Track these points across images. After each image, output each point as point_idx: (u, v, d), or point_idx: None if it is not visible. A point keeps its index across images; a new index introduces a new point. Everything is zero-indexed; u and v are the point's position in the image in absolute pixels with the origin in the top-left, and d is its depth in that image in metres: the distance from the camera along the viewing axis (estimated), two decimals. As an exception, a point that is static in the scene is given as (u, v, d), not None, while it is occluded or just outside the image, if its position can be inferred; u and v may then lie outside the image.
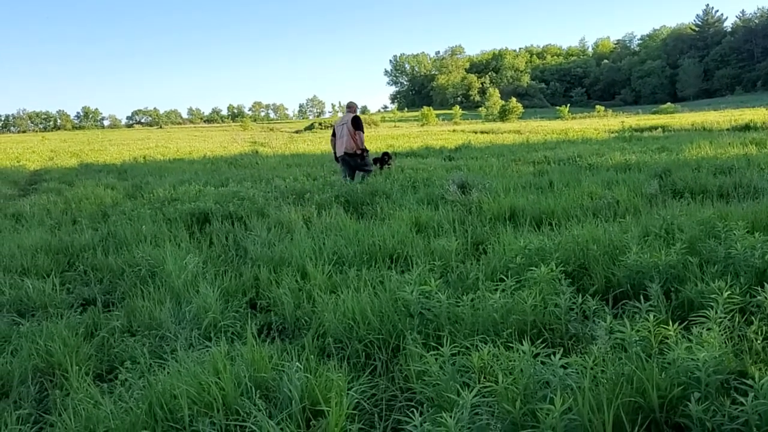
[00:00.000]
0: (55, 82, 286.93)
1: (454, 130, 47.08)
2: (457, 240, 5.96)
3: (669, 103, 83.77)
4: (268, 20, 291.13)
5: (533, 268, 4.35)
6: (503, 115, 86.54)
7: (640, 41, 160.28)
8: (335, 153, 11.84)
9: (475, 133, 38.38)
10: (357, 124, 11.32)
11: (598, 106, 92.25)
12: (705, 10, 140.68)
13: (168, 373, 3.34)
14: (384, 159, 14.21)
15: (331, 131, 12.17)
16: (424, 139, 30.94)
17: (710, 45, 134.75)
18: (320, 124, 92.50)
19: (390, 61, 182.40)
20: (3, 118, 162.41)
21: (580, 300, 3.69)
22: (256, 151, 23.87)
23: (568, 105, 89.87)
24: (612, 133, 28.03)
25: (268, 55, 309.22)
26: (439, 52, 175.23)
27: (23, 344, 4.40)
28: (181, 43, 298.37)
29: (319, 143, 32.60)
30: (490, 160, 15.44)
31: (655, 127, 29.51)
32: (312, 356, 3.54)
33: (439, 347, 3.38)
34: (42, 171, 21.32)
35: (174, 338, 4.35)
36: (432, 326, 3.71)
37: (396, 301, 4.25)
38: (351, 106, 12.11)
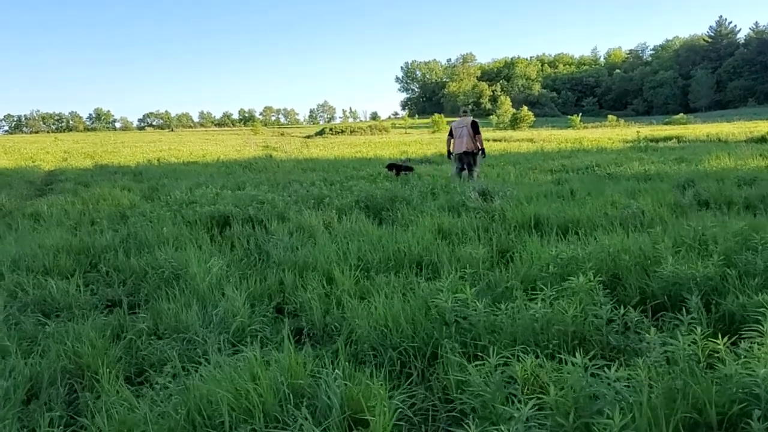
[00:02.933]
0: (68, 84, 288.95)
1: (465, 138, 46.94)
2: (483, 247, 5.89)
3: (681, 114, 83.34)
4: (280, 25, 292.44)
5: (570, 277, 4.27)
6: (514, 123, 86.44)
7: (652, 51, 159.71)
8: (449, 151, 13.41)
9: (488, 141, 38.21)
10: (476, 127, 12.89)
11: (610, 116, 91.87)
12: (718, 21, 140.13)
13: (203, 377, 3.27)
14: (402, 167, 14.20)
15: (448, 131, 13.73)
16: (438, 146, 30.86)
17: (723, 56, 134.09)
18: (331, 129, 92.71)
19: (401, 67, 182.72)
20: (16, 119, 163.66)
21: (621, 311, 3.60)
22: (270, 156, 23.88)
23: (580, 114, 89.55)
24: (627, 143, 27.89)
25: (279, 59, 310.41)
26: (450, 59, 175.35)
27: (51, 345, 4.37)
28: (193, 47, 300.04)
29: (332, 149, 32.61)
30: (506, 167, 15.36)
31: (670, 138, 29.39)
32: (347, 363, 3.48)
33: (478, 357, 3.32)
34: (57, 171, 21.40)
35: (202, 342, 4.30)
36: (470, 335, 3.64)
37: (428, 309, 4.18)
38: (466, 111, 13.77)
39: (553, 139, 33.01)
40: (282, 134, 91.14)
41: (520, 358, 3.12)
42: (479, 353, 3.41)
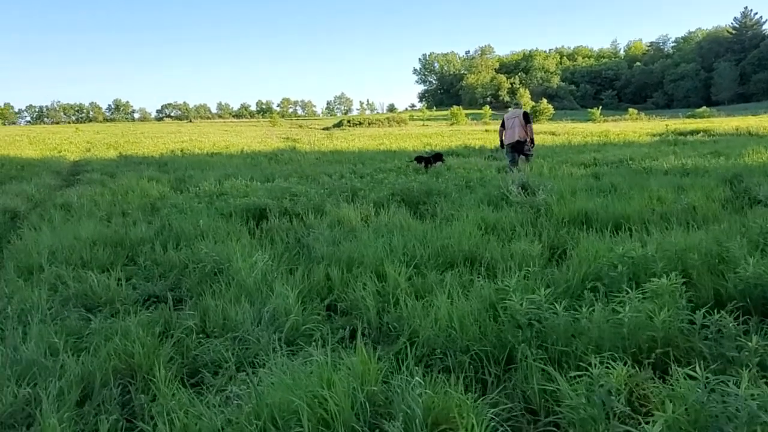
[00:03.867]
0: (88, 76, 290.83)
1: (486, 130, 46.52)
2: (539, 244, 5.66)
3: (704, 107, 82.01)
4: (298, 17, 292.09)
5: (639, 278, 4.04)
6: (533, 116, 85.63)
7: (674, 44, 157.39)
8: (502, 142, 13.72)
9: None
10: (527, 118, 13.36)
11: (630, 109, 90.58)
12: (743, 12, 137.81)
13: (273, 384, 3.08)
14: (431, 159, 13.97)
15: (500, 123, 14.16)
16: (461, 139, 30.57)
17: (747, 48, 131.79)
18: (349, 121, 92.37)
19: (419, 59, 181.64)
20: (38, 110, 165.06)
21: (713, 316, 3.36)
22: (294, 148, 23.72)
23: (600, 107, 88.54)
24: (653, 136, 27.41)
25: (296, 51, 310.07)
26: (468, 51, 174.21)
27: (98, 342, 4.22)
28: (210, 38, 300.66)
29: (353, 141, 32.39)
30: (537, 161, 15.02)
31: (697, 131, 28.85)
32: (417, 368, 3.28)
33: (561, 364, 3.11)
34: (82, 162, 21.39)
35: (255, 341, 4.12)
36: (548, 340, 3.42)
37: (495, 310, 3.98)
38: (518, 104, 14.64)
39: (577, 132, 32.54)
40: (300, 126, 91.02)
41: (609, 367, 2.91)
42: (562, 360, 3.20)
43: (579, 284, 4.67)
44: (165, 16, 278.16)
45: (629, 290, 3.62)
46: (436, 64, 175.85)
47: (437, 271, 5.38)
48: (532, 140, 13.38)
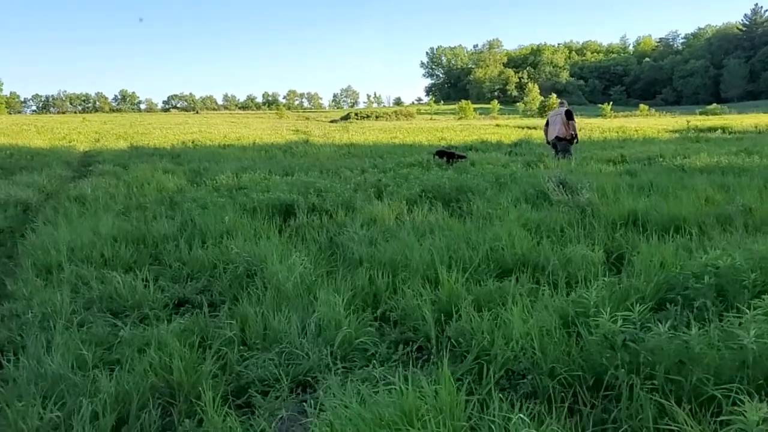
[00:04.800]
0: (94, 65, 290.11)
1: (497, 125, 46.13)
2: (598, 249, 5.24)
3: (715, 104, 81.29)
4: (304, 9, 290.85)
5: (727, 291, 3.61)
6: (542, 111, 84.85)
7: (683, 40, 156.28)
8: (547, 138, 14.52)
9: (522, 128, 37.41)
10: (570, 116, 13.78)
11: (642, 105, 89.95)
12: (753, 9, 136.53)
13: (346, 415, 2.67)
14: (455, 154, 13.58)
15: (544, 120, 15.22)
16: (475, 133, 30.09)
17: (757, 45, 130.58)
18: (356, 114, 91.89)
19: (426, 53, 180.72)
20: (44, 99, 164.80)
21: None
22: (307, 140, 23.29)
23: (611, 103, 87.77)
24: (672, 132, 26.91)
25: (303, 43, 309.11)
26: (477, 45, 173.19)
27: (131, 354, 3.82)
28: (216, 29, 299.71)
29: (364, 134, 31.93)
30: (556, 159, 14.56)
31: (715, 128, 28.31)
32: (501, 395, 2.88)
33: (666, 393, 2.70)
34: (93, 152, 21.01)
35: (304, 356, 3.72)
36: (645, 362, 2.99)
37: (573, 325, 3.57)
38: (563, 102, 15.32)
39: (593, 128, 32.04)
40: (307, 118, 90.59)
41: (738, 402, 2.50)
42: (670, 390, 2.78)
43: (653, 296, 4.26)
44: (172, 7, 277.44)
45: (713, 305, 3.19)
46: (443, 58, 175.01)
47: (492, 277, 4.97)
48: (574, 136, 13.95)
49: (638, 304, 4.08)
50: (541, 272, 5.05)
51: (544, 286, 4.49)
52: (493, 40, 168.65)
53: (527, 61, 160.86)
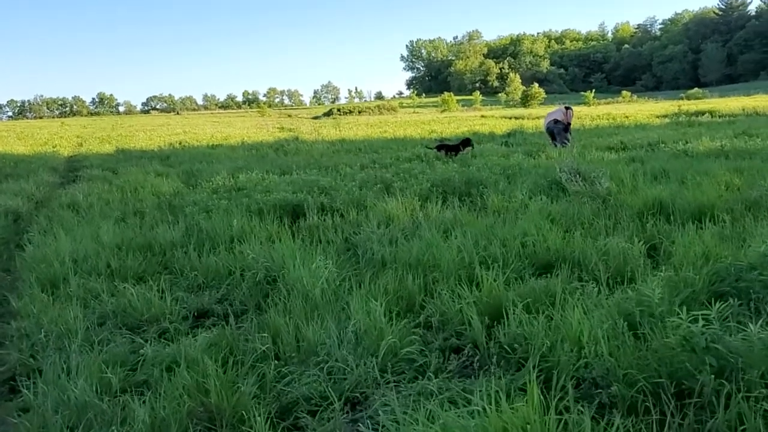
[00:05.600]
0: (70, 69, 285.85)
1: (483, 116, 45.91)
2: (638, 241, 5.00)
3: (697, 89, 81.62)
4: (282, 6, 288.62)
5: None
6: (525, 101, 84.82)
7: (661, 26, 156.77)
8: (546, 125, 15.31)
9: (509, 119, 37.22)
10: (569, 109, 15.01)
11: (624, 92, 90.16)
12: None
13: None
14: (460, 146, 13.31)
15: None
16: (465, 125, 29.86)
17: (733, 29, 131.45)
18: (339, 110, 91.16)
19: (406, 46, 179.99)
20: (20, 104, 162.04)
21: None
22: (296, 138, 22.90)
23: (594, 90, 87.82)
24: (662, 117, 26.84)
25: (281, 40, 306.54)
26: (456, 37, 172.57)
27: (157, 374, 3.53)
28: (192, 29, 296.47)
29: (350, 129, 31.53)
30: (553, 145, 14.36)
31: (703, 112, 28.27)
32: (584, 408, 2.62)
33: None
34: (78, 157, 20.50)
35: (348, 370, 3.44)
36: (730, 367, 2.75)
37: (637, 327, 3.33)
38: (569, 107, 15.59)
39: (582, 116, 31.85)
40: (289, 116, 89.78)
41: None
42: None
43: (706, 289, 4.03)
44: (148, 7, 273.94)
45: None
46: (423, 51, 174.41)
47: (529, 275, 4.73)
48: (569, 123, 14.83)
49: (691, 298, 3.91)
50: (578, 267, 4.81)
51: (590, 283, 4.25)
52: (473, 31, 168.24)
53: (507, 51, 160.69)
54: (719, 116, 25.76)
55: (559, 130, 14.32)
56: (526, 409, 2.40)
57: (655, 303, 3.41)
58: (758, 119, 21.33)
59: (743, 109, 28.29)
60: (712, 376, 2.71)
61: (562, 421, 2.41)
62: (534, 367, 3.25)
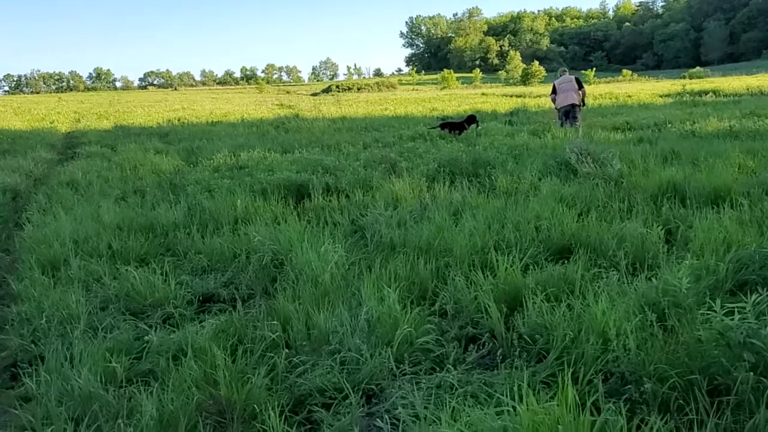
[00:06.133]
0: (67, 43, 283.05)
1: (483, 94, 45.47)
2: (656, 226, 4.86)
3: (698, 68, 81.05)
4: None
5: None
6: (525, 78, 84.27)
7: (663, 3, 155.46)
8: (557, 106, 14.07)
9: (510, 96, 36.91)
10: (579, 83, 13.75)
11: (624, 71, 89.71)
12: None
13: None
14: (464, 124, 13.10)
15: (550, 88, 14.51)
16: (466, 102, 29.56)
17: (737, 7, 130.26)
18: (337, 87, 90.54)
19: (405, 23, 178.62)
20: (16, 79, 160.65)
21: None
22: (297, 115, 22.62)
23: (594, 69, 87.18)
24: (665, 97, 26.58)
25: (280, 16, 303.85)
26: (456, 14, 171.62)
27: (163, 364, 3.40)
28: (191, 4, 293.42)
29: (350, 107, 31.20)
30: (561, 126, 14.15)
31: (706, 92, 27.99)
32: (615, 406, 2.50)
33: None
34: (76, 133, 20.24)
35: (362, 360, 3.30)
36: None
37: (665, 317, 3.20)
38: (566, 70, 14.71)
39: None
40: (287, 92, 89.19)
41: None
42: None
43: (731, 278, 3.90)
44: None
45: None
46: (423, 27, 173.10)
47: (544, 261, 4.59)
48: (584, 102, 14.00)
49: (714, 287, 3.78)
50: (595, 253, 4.67)
51: (610, 270, 4.11)
52: (473, 8, 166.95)
53: (507, 28, 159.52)
54: (723, 95, 25.50)
55: (574, 113, 13.66)
56: (559, 409, 2.27)
57: (682, 293, 3.28)
58: (764, 99, 21.10)
59: (747, 89, 28.00)
60: (751, 372, 2.58)
61: (597, 422, 2.27)
62: (556, 360, 3.15)
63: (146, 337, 3.78)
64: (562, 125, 13.62)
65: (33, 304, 4.39)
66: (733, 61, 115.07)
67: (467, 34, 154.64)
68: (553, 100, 14.12)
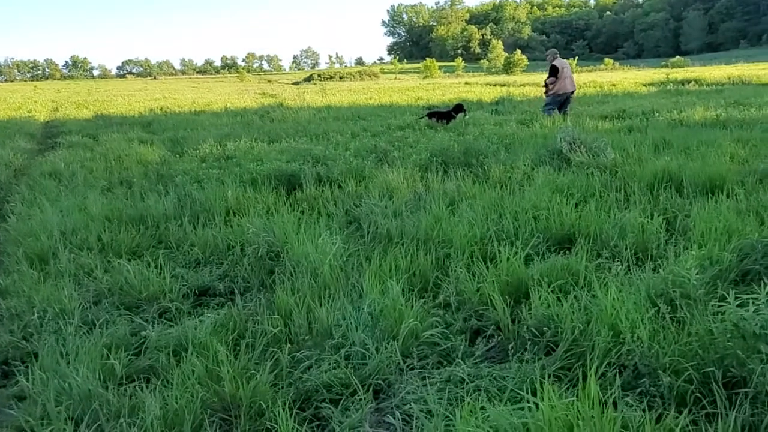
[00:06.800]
0: (42, 31, 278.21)
1: (466, 83, 45.41)
2: (657, 216, 4.84)
3: (678, 57, 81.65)
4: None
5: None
6: (508, 67, 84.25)
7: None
8: (565, 90, 13.49)
9: (493, 86, 36.86)
10: (552, 71, 13.35)
11: (606, 59, 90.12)
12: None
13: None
14: (452, 113, 13.03)
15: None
16: (450, 92, 29.46)
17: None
18: (319, 75, 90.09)
19: (387, 11, 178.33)
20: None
21: None
22: (281, 104, 22.38)
23: (576, 58, 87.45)
24: (648, 86, 26.70)
25: (260, 3, 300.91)
26: (438, 2, 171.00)
27: (164, 360, 3.30)
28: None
29: (334, 96, 30.97)
30: (565, 115, 14.11)
31: (688, 81, 28.18)
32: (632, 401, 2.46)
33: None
34: (55, 122, 19.88)
35: (367, 354, 3.24)
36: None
37: (673, 309, 3.17)
38: (556, 53, 14.23)
39: (567, 84, 31.61)
40: (269, 81, 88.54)
41: None
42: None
43: (735, 267, 3.89)
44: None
45: None
46: (404, 16, 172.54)
47: (544, 251, 4.56)
48: (548, 87, 13.74)
49: (718, 277, 3.76)
50: (595, 243, 4.64)
51: (614, 260, 4.08)
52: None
53: (489, 17, 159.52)
54: (706, 85, 25.68)
55: (570, 100, 13.55)
56: (582, 405, 2.22)
57: (692, 284, 3.25)
58: (746, 88, 21.27)
59: (729, 78, 28.24)
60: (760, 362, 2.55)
61: (619, 418, 2.23)
62: (566, 353, 3.11)
63: (144, 333, 3.69)
64: (552, 111, 13.27)
65: (23, 299, 4.27)
66: (711, 51, 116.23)
67: (449, 23, 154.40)
68: (550, 84, 13.50)
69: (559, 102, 13.50)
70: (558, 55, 13.88)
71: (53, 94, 45.50)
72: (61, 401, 2.93)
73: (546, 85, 13.78)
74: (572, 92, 13.52)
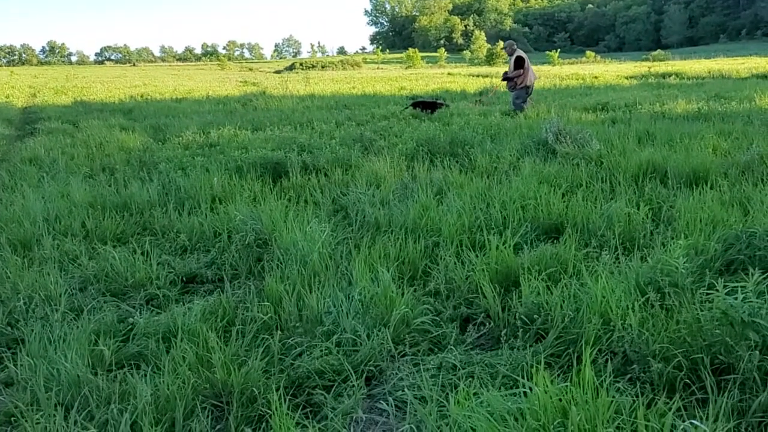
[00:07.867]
0: (19, 16, 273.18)
1: (449, 73, 45.40)
2: (644, 206, 4.89)
3: (659, 51, 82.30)
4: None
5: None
6: (490, 59, 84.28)
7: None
8: (527, 83, 13.22)
9: (476, 77, 36.93)
10: (518, 63, 12.96)
11: (588, 52, 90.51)
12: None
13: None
14: (436, 103, 13.05)
15: None
16: (434, 82, 29.46)
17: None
18: (301, 64, 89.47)
19: (370, 0, 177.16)
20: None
21: None
22: (264, 92, 22.23)
23: (558, 50, 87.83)
24: (630, 79, 26.88)
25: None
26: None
27: (153, 346, 3.28)
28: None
29: (316, 85, 30.79)
30: (537, 106, 14.17)
31: (669, 74, 28.43)
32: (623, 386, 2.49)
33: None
34: (34, 108, 19.55)
35: (359, 341, 3.24)
36: None
37: (662, 297, 3.21)
38: (512, 43, 14.05)
39: (552, 75, 31.77)
40: (250, 69, 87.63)
41: None
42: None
43: (720, 257, 3.94)
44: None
45: None
46: (387, 5, 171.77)
47: (532, 240, 4.59)
48: (510, 79, 13.40)
49: (704, 266, 3.81)
50: (583, 232, 4.68)
51: (602, 249, 4.12)
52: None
53: (472, 8, 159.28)
54: (687, 78, 25.91)
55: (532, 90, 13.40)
56: (577, 390, 2.24)
57: (680, 273, 3.29)
58: (726, 82, 21.49)
59: (709, 72, 28.49)
60: (757, 351, 2.59)
61: (613, 403, 2.25)
62: (556, 340, 3.14)
63: (131, 319, 3.66)
64: (524, 108, 12.88)
65: (7, 285, 4.21)
66: (691, 45, 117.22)
67: (432, 13, 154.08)
68: (517, 78, 13.06)
69: (528, 94, 13.34)
70: (515, 46, 13.68)
71: (30, 80, 44.66)
72: (50, 387, 2.90)
73: (510, 79, 13.26)
74: (533, 83, 13.42)
